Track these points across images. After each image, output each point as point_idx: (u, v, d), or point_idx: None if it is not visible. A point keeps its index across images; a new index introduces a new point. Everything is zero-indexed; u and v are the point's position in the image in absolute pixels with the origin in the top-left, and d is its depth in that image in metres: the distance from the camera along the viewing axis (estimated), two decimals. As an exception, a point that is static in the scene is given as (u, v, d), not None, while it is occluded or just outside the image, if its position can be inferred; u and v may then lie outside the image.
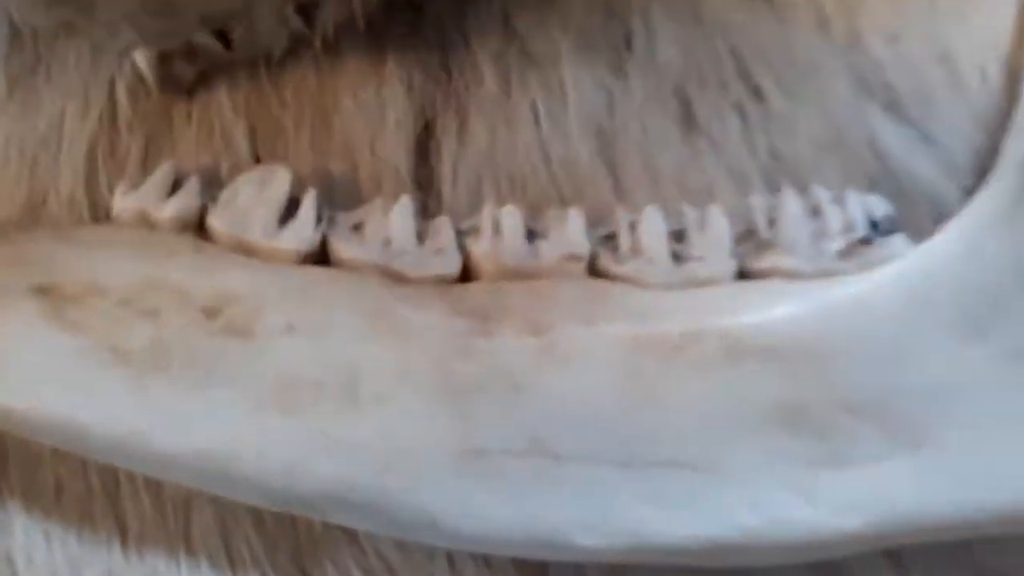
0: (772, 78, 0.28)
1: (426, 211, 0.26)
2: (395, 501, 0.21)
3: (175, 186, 0.24)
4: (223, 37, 0.25)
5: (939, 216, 0.27)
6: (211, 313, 0.22)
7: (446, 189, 0.26)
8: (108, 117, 0.26)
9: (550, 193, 0.26)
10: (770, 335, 0.23)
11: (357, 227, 0.24)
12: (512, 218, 0.24)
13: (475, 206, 0.26)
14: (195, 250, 0.23)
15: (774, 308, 0.23)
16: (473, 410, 0.21)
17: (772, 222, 0.25)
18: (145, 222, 0.24)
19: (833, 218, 0.24)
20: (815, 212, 0.25)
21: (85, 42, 0.25)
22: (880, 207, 0.25)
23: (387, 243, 0.23)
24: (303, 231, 0.23)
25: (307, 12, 0.25)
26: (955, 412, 0.23)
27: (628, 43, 0.28)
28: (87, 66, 0.26)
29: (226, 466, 0.21)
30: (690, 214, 0.25)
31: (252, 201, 0.23)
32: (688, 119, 0.27)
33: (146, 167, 0.25)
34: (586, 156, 0.27)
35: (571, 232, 0.24)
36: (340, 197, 0.25)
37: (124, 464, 0.22)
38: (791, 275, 0.24)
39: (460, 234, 0.24)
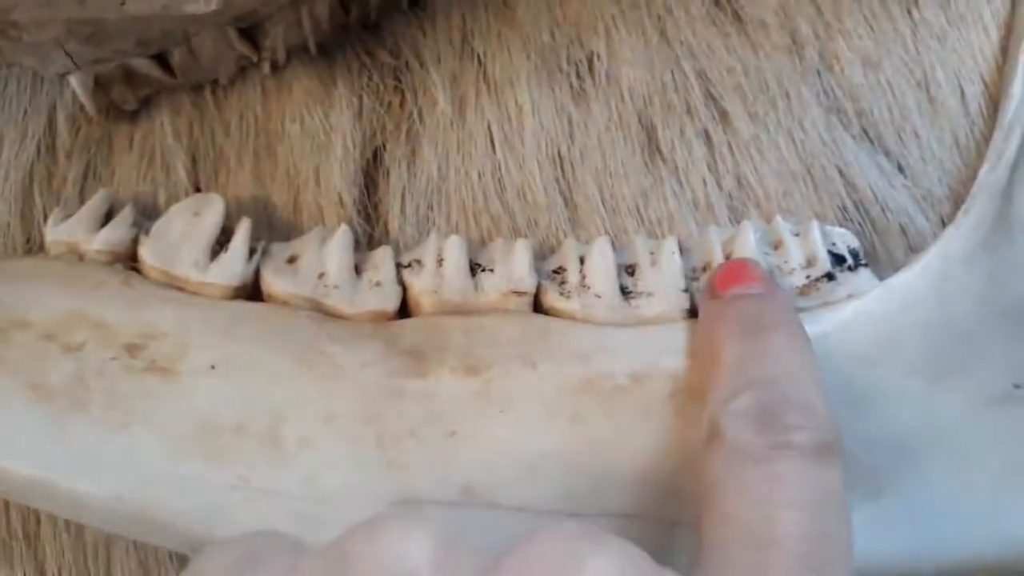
0: (741, 103, 0.27)
1: (371, 243, 0.25)
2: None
3: (109, 215, 0.23)
4: (163, 61, 0.24)
5: (913, 247, 0.26)
6: (134, 350, 0.21)
7: (393, 220, 0.25)
8: (47, 145, 0.25)
9: (503, 224, 0.25)
10: None
11: (292, 260, 0.23)
12: (455, 250, 0.23)
13: (423, 238, 0.25)
14: (123, 283, 0.22)
15: None
16: (404, 458, 0.20)
17: (728, 256, 0.23)
18: (76, 253, 0.23)
19: (794, 252, 0.23)
20: (776, 245, 0.24)
21: (21, 68, 0.24)
22: (846, 240, 0.24)
23: (322, 277, 0.22)
24: (233, 265, 0.22)
25: (253, 36, 0.25)
26: (920, 458, 0.22)
27: (590, 66, 0.27)
28: (27, 92, 0.25)
29: (143, 512, 0.20)
30: (642, 247, 0.24)
31: (183, 233, 0.22)
32: (651, 146, 0.26)
33: (84, 196, 0.25)
34: (542, 185, 0.26)
35: (516, 266, 0.23)
36: (281, 229, 0.25)
37: (42, 506, 0.21)
38: None
39: (401, 267, 0.23)
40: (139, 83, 0.24)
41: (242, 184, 0.25)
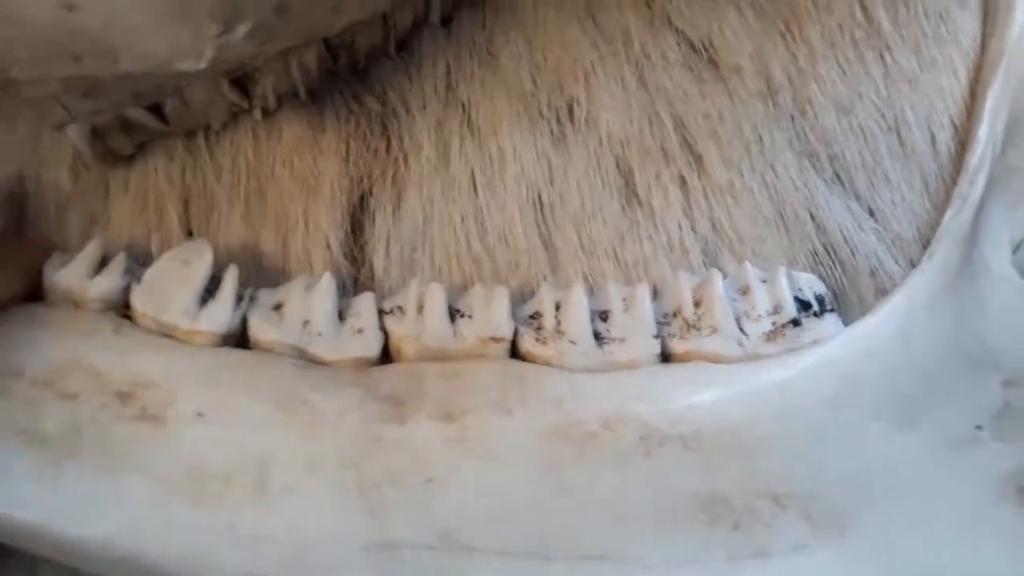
0: (716, 148, 0.28)
1: (357, 285, 0.26)
2: None
3: (104, 261, 0.24)
4: (157, 110, 0.25)
5: (882, 290, 0.26)
6: (125, 398, 0.22)
7: (378, 262, 0.26)
8: (49, 189, 0.26)
9: (484, 267, 0.26)
10: (689, 423, 0.22)
11: (278, 307, 0.24)
12: (435, 298, 0.24)
13: (407, 280, 0.26)
14: (114, 331, 0.23)
15: (694, 395, 0.23)
16: (383, 503, 0.21)
17: (698, 303, 0.24)
18: (73, 300, 0.24)
19: (761, 299, 0.24)
20: (744, 291, 0.24)
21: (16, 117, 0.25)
22: (812, 286, 0.25)
23: (306, 325, 0.23)
24: (221, 314, 0.23)
25: (243, 84, 0.26)
26: (883, 500, 0.22)
27: (570, 111, 0.28)
28: (25, 136, 0.26)
29: (133, 556, 0.21)
30: (616, 293, 0.24)
31: (173, 282, 0.23)
32: (629, 190, 0.27)
33: (82, 238, 0.25)
34: (522, 228, 0.27)
35: (494, 313, 0.24)
36: (269, 272, 0.26)
37: (35, 550, 0.22)
38: (714, 359, 0.23)
39: (383, 313, 0.24)
40: (135, 131, 0.25)
41: (233, 228, 0.26)
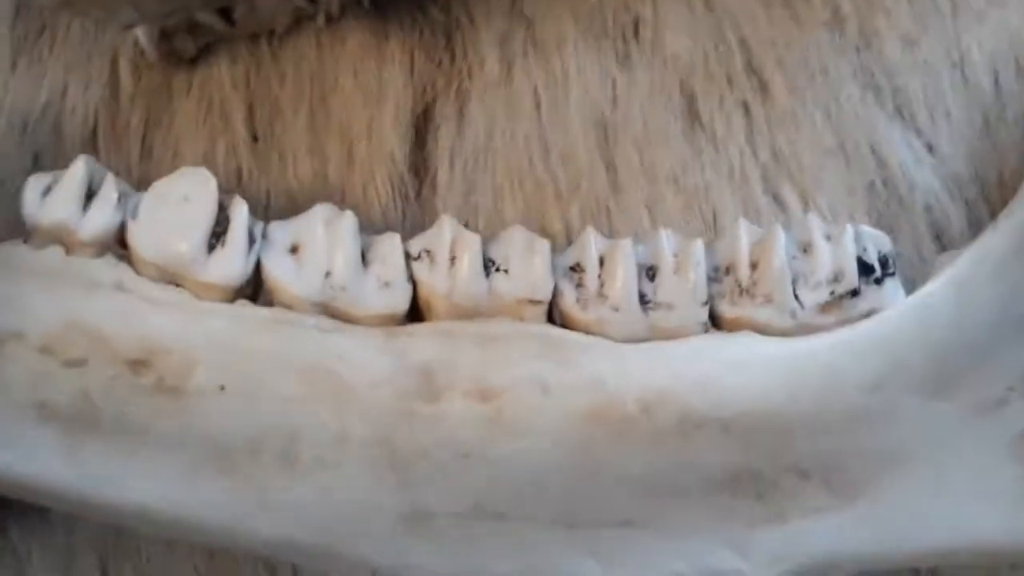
0: (781, 75, 0.28)
1: (419, 199, 0.26)
2: (337, 554, 0.21)
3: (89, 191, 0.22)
4: (226, 14, 0.25)
5: (937, 226, 0.27)
6: (138, 367, 0.21)
7: (441, 177, 0.26)
8: (110, 89, 0.26)
9: (547, 188, 0.26)
10: (729, 407, 0.22)
11: (295, 249, 0.22)
12: (470, 251, 0.22)
13: (469, 196, 0.26)
14: (115, 286, 0.21)
15: (738, 376, 0.22)
16: (417, 477, 0.21)
17: (755, 264, 0.23)
18: (62, 241, 0.22)
19: (823, 262, 0.23)
20: (806, 248, 0.23)
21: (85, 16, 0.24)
22: (879, 245, 0.23)
23: (328, 276, 0.22)
24: (234, 263, 0.21)
25: (311, -10, 0.25)
26: (905, 465, 0.22)
27: (636, 30, 0.28)
28: (91, 37, 0.26)
29: (168, 521, 0.21)
30: (667, 247, 0.23)
31: (175, 220, 0.21)
32: (691, 115, 0.27)
33: (145, 142, 0.25)
34: (584, 150, 0.27)
35: (534, 270, 0.22)
36: (333, 182, 0.25)
37: (67, 511, 0.22)
38: (763, 329, 0.22)
39: (410, 258, 0.22)
40: (200, 32, 0.25)
41: (298, 135, 0.26)
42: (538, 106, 0.27)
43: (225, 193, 0.22)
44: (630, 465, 0.21)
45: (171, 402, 0.21)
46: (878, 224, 0.27)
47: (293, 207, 0.25)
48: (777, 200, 0.27)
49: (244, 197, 0.25)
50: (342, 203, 0.25)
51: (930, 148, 0.27)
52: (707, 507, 0.22)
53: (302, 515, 0.21)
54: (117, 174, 0.23)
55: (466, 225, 0.26)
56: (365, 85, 0.26)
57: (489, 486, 0.21)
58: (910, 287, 0.26)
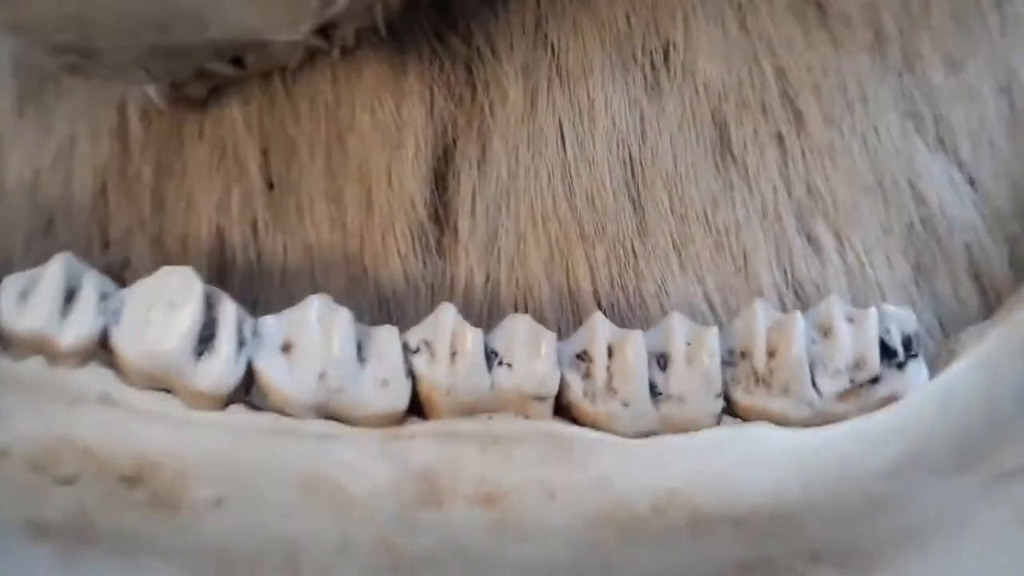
0: (817, 105, 0.26)
1: (440, 248, 0.25)
2: None
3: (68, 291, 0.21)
4: (237, 60, 0.24)
5: (976, 266, 0.26)
6: (131, 483, 0.20)
7: (463, 222, 0.25)
8: (119, 138, 0.25)
9: (571, 230, 0.25)
10: (743, 504, 0.21)
11: (287, 348, 0.21)
12: (471, 343, 0.21)
13: (491, 243, 0.25)
14: (101, 399, 0.20)
15: (751, 472, 0.21)
16: None
17: (772, 352, 0.22)
18: (41, 351, 0.21)
19: (843, 349, 0.22)
20: (825, 333, 0.22)
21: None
22: (903, 325, 0.22)
23: (323, 378, 0.21)
24: (224, 368, 0.20)
25: (325, 31, 0.24)
26: (920, 538, 0.22)
27: (666, 56, 0.26)
28: (98, 85, 0.25)
29: None
30: (679, 333, 0.22)
31: (161, 329, 0.20)
32: (723, 147, 0.26)
33: (157, 192, 0.24)
34: (611, 189, 0.26)
35: (539, 364, 0.21)
36: (352, 230, 0.25)
37: None
38: (780, 419, 0.22)
39: (408, 351, 0.21)
40: (210, 77, 0.24)
41: (315, 180, 0.25)
42: (563, 141, 0.26)
43: (212, 289, 0.21)
44: (640, 562, 0.21)
45: (167, 516, 0.20)
46: (916, 265, 0.26)
47: (310, 263, 0.24)
48: (811, 240, 0.26)
49: (260, 252, 0.24)
50: (361, 255, 0.25)
51: (972, 182, 0.26)
52: None
53: None
54: (129, 230, 0.23)
55: (487, 276, 0.25)
56: (383, 123, 0.25)
57: None
58: (945, 329, 0.25)
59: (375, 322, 0.24)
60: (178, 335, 0.20)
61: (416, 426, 0.21)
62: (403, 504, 0.21)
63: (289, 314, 0.21)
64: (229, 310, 0.21)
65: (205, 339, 0.20)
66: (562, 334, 0.25)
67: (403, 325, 0.24)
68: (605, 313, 0.25)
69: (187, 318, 0.20)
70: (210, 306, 0.21)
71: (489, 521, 0.21)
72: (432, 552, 0.21)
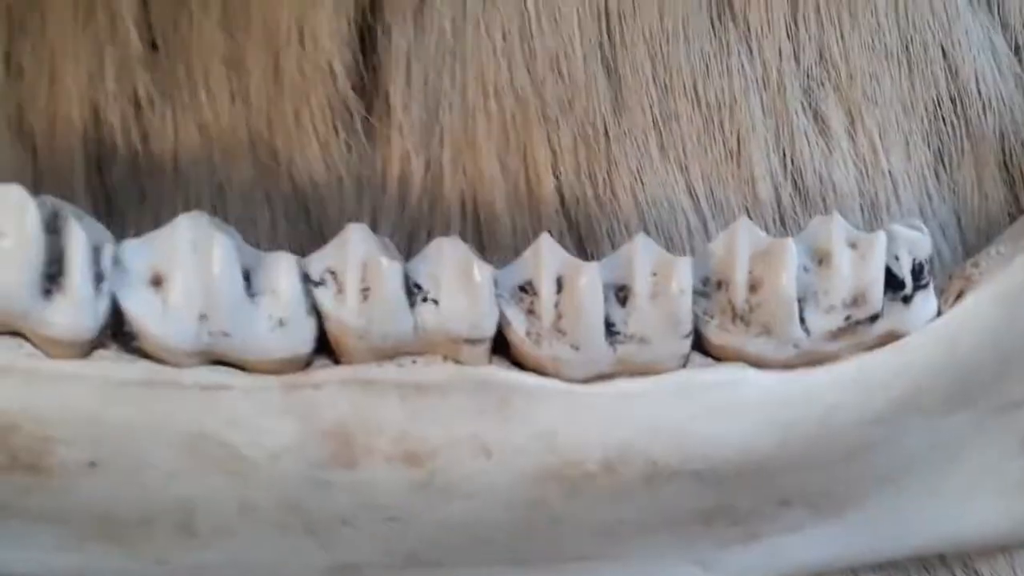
0: (841, -58, 0.21)
1: (368, 129, 0.21)
2: None
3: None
4: None
5: (1008, 156, 0.22)
6: None
7: (395, 95, 0.20)
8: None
9: (530, 107, 0.21)
10: (706, 458, 0.18)
11: (157, 281, 0.17)
12: (390, 281, 0.17)
13: (431, 121, 0.21)
14: None
15: (718, 424, 0.18)
16: (338, 539, 0.18)
17: (755, 287, 0.18)
18: None
19: (841, 282, 0.18)
20: (821, 260, 0.18)
21: None
22: (915, 252, 0.18)
23: (204, 320, 0.17)
24: (77, 310, 0.16)
25: None
26: (901, 477, 0.20)
27: None
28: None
29: None
30: (644, 261, 0.18)
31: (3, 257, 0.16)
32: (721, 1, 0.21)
33: (11, 57, 0.19)
34: (581, 49, 0.21)
35: (473, 300, 0.17)
36: (257, 103, 0.20)
37: None
38: (756, 360, 0.18)
39: (310, 282, 0.17)
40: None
41: (208, 39, 0.20)
42: (523, -10, 0.21)
43: (58, 208, 0.17)
44: (589, 516, 0.19)
45: (36, 480, 0.17)
46: (938, 153, 0.22)
47: (208, 148, 0.20)
48: (818, 119, 0.22)
49: (146, 134, 0.20)
50: (270, 137, 0.20)
51: (1016, 48, 0.22)
52: (675, 537, 0.19)
53: (211, 574, 0.19)
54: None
55: (427, 164, 0.21)
56: (295, -32, 0.20)
57: (424, 542, 0.19)
58: (962, 235, 0.22)
59: (291, 225, 0.20)
60: (12, 271, 0.16)
61: (324, 372, 0.18)
62: (311, 465, 0.18)
63: (155, 238, 0.17)
64: (78, 236, 0.16)
65: (52, 276, 0.16)
66: (517, 236, 0.21)
67: (326, 227, 0.20)
68: (569, 209, 0.21)
69: (20, 251, 0.16)
70: (54, 231, 0.16)
71: (413, 481, 0.18)
72: (349, 512, 0.18)
